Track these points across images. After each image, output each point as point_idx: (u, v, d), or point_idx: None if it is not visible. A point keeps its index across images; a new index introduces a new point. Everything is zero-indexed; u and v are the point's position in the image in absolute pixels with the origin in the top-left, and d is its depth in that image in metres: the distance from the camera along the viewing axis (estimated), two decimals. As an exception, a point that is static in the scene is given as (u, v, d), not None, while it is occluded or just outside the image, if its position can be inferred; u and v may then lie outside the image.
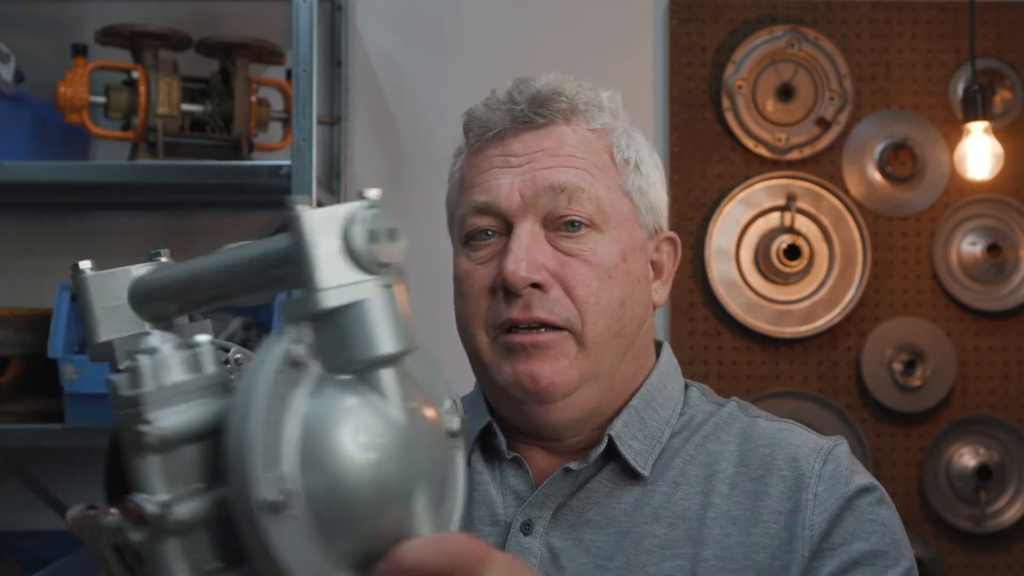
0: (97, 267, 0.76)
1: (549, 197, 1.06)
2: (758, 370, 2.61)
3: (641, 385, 1.13)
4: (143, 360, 0.64)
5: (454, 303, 1.13)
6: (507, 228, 1.07)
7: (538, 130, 1.11)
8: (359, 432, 0.61)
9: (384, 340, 0.63)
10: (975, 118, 2.40)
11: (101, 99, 2.20)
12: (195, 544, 0.64)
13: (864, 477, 1.08)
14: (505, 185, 1.08)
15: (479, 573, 0.63)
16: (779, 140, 2.61)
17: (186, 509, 0.63)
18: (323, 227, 0.62)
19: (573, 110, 1.12)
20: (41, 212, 2.54)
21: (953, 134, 2.60)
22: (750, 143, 2.61)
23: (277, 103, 2.40)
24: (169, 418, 0.63)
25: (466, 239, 1.10)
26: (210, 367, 0.66)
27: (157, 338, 0.66)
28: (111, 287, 0.75)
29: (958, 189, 2.64)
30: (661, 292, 1.16)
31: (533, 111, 1.10)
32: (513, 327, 1.06)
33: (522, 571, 0.71)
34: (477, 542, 0.63)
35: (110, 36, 2.23)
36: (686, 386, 1.18)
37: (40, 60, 2.44)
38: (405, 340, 0.64)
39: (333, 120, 2.54)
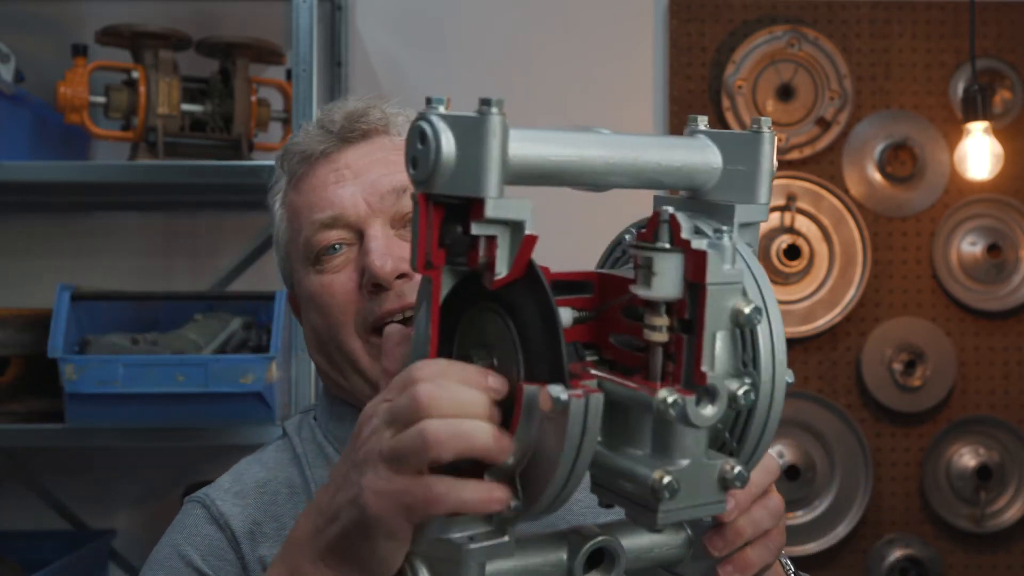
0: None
1: (392, 200, 1.11)
2: (758, 370, 2.60)
3: None
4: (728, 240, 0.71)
5: (308, 323, 1.15)
6: (357, 237, 1.11)
7: (361, 143, 1.15)
8: None
9: None
10: (975, 118, 2.40)
11: (101, 99, 2.20)
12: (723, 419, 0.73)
13: None
14: (347, 196, 1.11)
15: None
16: (779, 140, 2.61)
17: (747, 391, 0.71)
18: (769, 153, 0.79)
19: (388, 123, 1.17)
20: (41, 212, 2.54)
21: (953, 134, 2.60)
22: (750, 143, 2.61)
23: (277, 103, 2.40)
24: (752, 302, 0.71)
25: (316, 258, 1.12)
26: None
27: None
28: None
29: (958, 189, 2.64)
30: None
31: (353, 125, 1.15)
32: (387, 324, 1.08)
33: None
34: None
35: (110, 36, 2.23)
36: None
37: (40, 60, 2.44)
38: None
39: (333, 120, 2.54)
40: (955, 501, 2.62)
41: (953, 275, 2.64)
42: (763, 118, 0.80)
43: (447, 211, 0.70)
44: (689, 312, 0.70)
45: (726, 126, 2.60)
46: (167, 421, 2.07)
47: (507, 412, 0.70)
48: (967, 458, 2.62)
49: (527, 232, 0.69)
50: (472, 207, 0.69)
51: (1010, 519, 2.62)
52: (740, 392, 0.71)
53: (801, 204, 2.61)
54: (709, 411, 0.69)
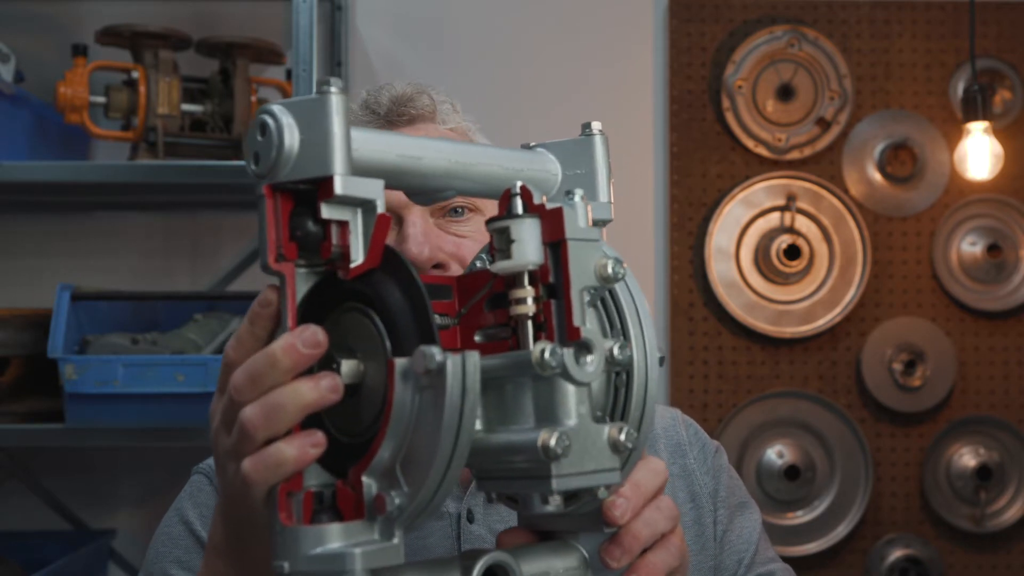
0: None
1: None
2: (758, 370, 2.61)
3: None
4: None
5: None
6: (395, 223, 1.09)
7: (407, 127, 1.14)
8: None
9: None
10: (975, 118, 2.40)
11: (101, 99, 2.20)
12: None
13: (709, 437, 1.26)
14: None
15: None
16: (779, 140, 2.61)
17: (622, 346, 0.71)
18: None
19: (434, 110, 1.16)
20: (41, 212, 2.54)
21: (953, 134, 2.60)
22: (750, 143, 2.61)
23: (277, 103, 2.40)
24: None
25: None
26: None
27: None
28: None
29: (958, 189, 2.64)
30: None
31: (401, 109, 1.14)
32: None
33: None
34: None
35: (110, 36, 2.23)
36: None
37: (40, 60, 2.44)
38: None
39: (333, 120, 2.54)
40: (955, 501, 2.62)
41: (953, 275, 2.64)
42: (593, 122, 0.83)
43: (296, 200, 0.69)
44: (553, 274, 0.70)
45: (726, 126, 2.60)
46: (167, 421, 2.06)
47: (380, 405, 0.67)
48: (967, 458, 2.62)
49: (379, 212, 0.68)
50: (321, 188, 0.67)
51: (1010, 519, 2.62)
52: (616, 347, 0.70)
53: (801, 204, 2.61)
54: (589, 364, 0.68)
